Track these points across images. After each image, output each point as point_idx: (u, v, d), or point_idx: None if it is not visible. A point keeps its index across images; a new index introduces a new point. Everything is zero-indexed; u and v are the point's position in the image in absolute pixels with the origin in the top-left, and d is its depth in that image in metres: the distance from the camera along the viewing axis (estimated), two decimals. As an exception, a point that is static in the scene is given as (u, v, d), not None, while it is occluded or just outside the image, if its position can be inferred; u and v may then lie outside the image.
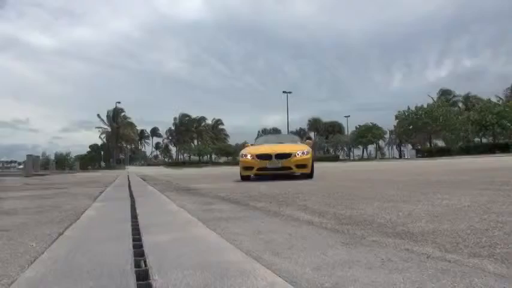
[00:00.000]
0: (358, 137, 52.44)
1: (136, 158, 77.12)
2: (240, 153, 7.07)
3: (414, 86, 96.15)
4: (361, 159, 55.69)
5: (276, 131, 64.76)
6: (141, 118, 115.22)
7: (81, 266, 1.19)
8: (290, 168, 6.34)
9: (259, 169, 6.42)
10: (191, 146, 69.22)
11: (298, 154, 6.40)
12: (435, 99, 52.90)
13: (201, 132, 71.78)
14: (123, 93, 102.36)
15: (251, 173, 6.59)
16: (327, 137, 68.75)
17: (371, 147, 61.41)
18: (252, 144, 8.18)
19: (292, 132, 45.67)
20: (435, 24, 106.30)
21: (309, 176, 6.54)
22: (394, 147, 68.85)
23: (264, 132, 66.31)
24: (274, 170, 6.41)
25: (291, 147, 6.76)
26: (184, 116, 72.55)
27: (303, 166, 6.41)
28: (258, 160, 6.41)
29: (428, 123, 41.17)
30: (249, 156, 6.61)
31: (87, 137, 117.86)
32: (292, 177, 6.65)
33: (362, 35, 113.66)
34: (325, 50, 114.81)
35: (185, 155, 72.56)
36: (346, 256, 1.25)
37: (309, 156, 6.50)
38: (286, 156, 6.36)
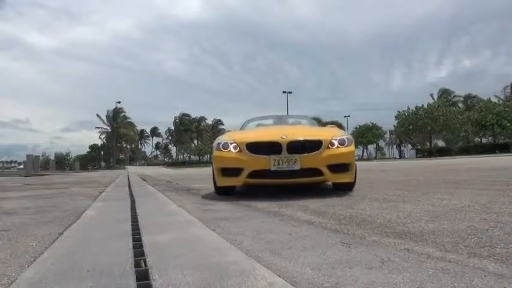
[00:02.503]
0: (358, 137, 52.39)
1: (137, 158, 77.19)
2: (215, 142, 3.55)
3: (414, 86, 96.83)
4: (361, 159, 55.63)
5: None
6: (141, 118, 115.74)
7: (82, 266, 1.19)
8: (319, 172, 3.09)
9: (253, 174, 3.13)
10: (191, 146, 69.17)
11: (333, 144, 3.18)
12: (436, 98, 52.97)
13: (201, 132, 71.71)
14: (123, 93, 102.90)
15: (236, 183, 3.34)
16: (327, 137, 68.52)
17: (371, 147, 61.44)
18: (241, 129, 4.70)
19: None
20: (435, 24, 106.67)
21: (350, 187, 3.47)
22: (394, 147, 68.96)
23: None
24: (285, 177, 3.11)
25: (317, 131, 3.68)
26: (184, 116, 72.59)
27: (343, 168, 3.19)
28: (251, 155, 3.12)
29: (428, 123, 41.14)
30: (232, 148, 3.27)
31: (87, 137, 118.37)
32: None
33: (362, 35, 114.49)
34: (325, 50, 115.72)
35: (185, 155, 72.57)
36: (346, 256, 1.25)
37: (351, 149, 3.28)
38: (310, 146, 3.12)
